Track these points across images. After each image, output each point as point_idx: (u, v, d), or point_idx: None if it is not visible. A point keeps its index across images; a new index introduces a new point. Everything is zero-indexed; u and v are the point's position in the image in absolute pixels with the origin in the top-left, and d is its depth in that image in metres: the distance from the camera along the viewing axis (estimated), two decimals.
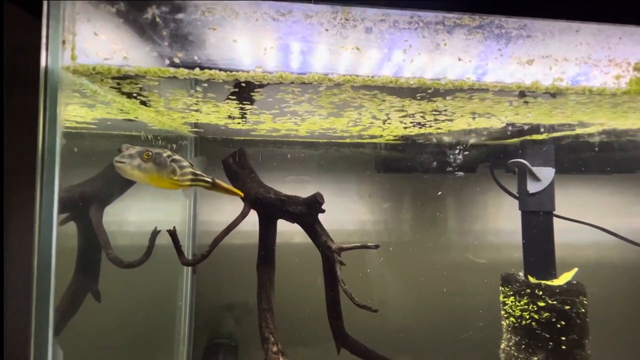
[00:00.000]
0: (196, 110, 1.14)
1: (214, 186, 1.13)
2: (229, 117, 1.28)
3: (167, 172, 0.94)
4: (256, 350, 1.92)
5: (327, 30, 0.74)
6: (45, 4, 0.68)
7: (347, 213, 2.01)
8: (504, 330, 1.52)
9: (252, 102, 1.04)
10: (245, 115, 1.23)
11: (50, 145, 0.71)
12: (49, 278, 0.72)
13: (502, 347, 1.52)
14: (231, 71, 0.80)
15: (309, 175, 1.94)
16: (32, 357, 0.68)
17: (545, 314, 1.37)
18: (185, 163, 1.03)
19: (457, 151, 1.76)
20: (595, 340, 1.42)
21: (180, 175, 0.99)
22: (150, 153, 0.88)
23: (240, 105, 1.06)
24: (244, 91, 0.92)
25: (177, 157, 1.00)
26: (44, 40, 0.69)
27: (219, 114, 1.20)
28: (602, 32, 0.82)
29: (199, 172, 1.06)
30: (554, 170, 1.52)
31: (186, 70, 0.79)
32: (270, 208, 1.36)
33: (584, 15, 0.80)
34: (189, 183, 1.04)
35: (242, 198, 1.39)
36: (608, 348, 1.61)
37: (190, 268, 1.89)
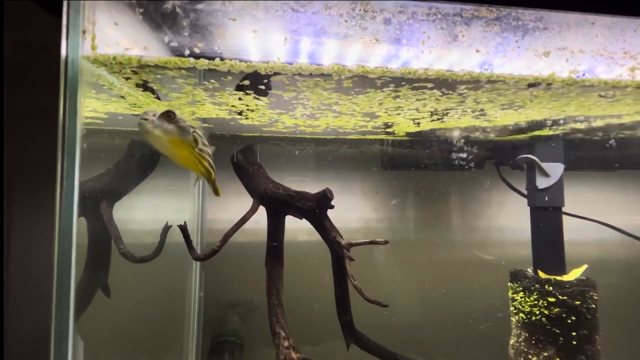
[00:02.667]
0: (211, 102, 1.14)
1: (212, 181, 1.14)
2: (239, 113, 1.28)
3: (189, 139, 0.91)
4: (261, 348, 1.92)
5: (346, 21, 0.74)
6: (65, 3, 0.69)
7: (353, 210, 2.01)
8: (513, 326, 1.52)
9: (266, 94, 1.04)
10: (251, 109, 1.23)
11: (70, 136, 0.71)
12: (69, 269, 0.72)
13: (511, 342, 1.52)
14: (250, 62, 0.81)
15: (316, 172, 1.94)
16: (53, 347, 0.68)
17: (556, 310, 1.37)
18: (206, 142, 1.02)
19: (464, 148, 1.76)
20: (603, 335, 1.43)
21: (199, 150, 0.97)
22: (173, 114, 0.87)
23: (255, 97, 1.06)
24: (261, 84, 0.93)
25: (200, 132, 0.99)
26: (64, 30, 0.69)
27: (228, 106, 1.20)
28: (617, 24, 0.83)
29: (212, 160, 1.06)
30: (563, 166, 1.53)
31: (206, 61, 0.79)
32: (280, 204, 1.36)
33: (600, 8, 0.81)
34: (206, 164, 1.03)
35: (251, 194, 1.39)
36: (614, 343, 1.62)
37: (199, 266, 1.89)
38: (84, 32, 0.70)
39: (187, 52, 0.79)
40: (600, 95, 0.98)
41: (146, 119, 0.84)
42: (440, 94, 0.99)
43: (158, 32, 0.76)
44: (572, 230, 1.62)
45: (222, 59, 0.80)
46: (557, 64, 0.90)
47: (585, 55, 0.86)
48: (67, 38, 0.69)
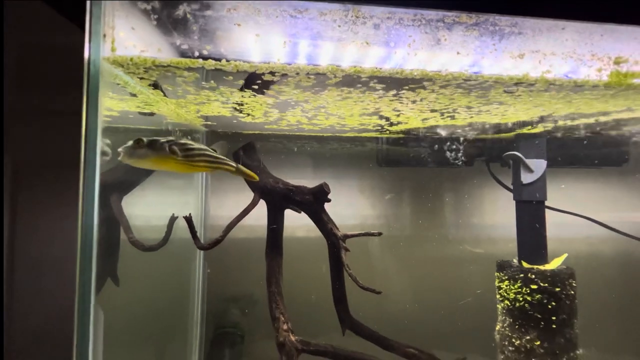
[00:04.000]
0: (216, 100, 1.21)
1: (238, 171, 1.19)
2: (239, 111, 1.36)
3: (166, 154, 0.97)
4: (262, 340, 1.99)
5: (339, 26, 0.83)
6: (88, 3, 0.77)
7: (350, 206, 2.09)
8: (499, 312, 1.60)
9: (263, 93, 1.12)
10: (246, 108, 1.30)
11: (91, 132, 0.79)
12: (90, 260, 0.79)
13: (497, 328, 1.60)
14: (253, 63, 0.89)
15: (314, 169, 2.02)
16: (76, 317, 0.76)
17: (537, 296, 1.45)
18: (196, 146, 1.05)
19: (455, 145, 1.84)
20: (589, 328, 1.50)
21: (185, 157, 1.01)
22: (142, 141, 0.94)
23: (254, 95, 1.14)
24: (265, 83, 1.00)
25: (182, 141, 1.03)
26: (87, 33, 0.77)
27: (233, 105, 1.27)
28: (586, 29, 0.91)
29: (221, 157, 1.11)
30: (545, 162, 1.61)
31: (214, 62, 0.87)
32: (279, 197, 1.44)
33: (569, 14, 0.89)
34: (205, 164, 1.08)
35: (252, 188, 1.47)
36: (600, 331, 1.70)
37: (202, 260, 1.96)
38: (104, 35, 0.78)
39: (196, 53, 0.87)
40: (505, 91, 1.06)
41: (121, 151, 0.92)
42: (380, 95, 1.06)
43: (169, 36, 0.84)
44: (559, 227, 1.70)
45: (227, 61, 0.88)
46: (534, 65, 0.99)
47: (556, 58, 0.95)
48: (89, 41, 0.77)
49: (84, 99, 0.77)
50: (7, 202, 1.19)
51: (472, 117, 1.42)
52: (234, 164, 1.16)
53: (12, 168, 1.20)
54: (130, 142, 0.94)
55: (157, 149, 0.96)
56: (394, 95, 1.11)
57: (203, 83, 1.04)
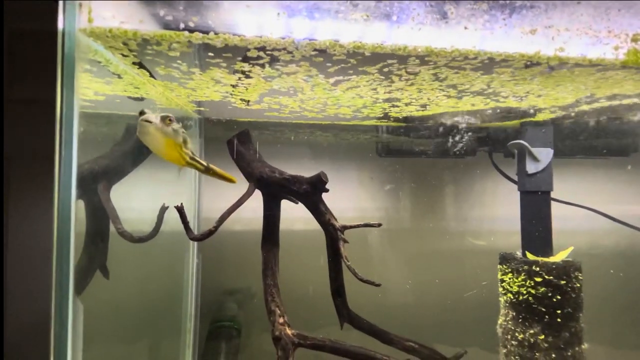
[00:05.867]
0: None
1: (207, 170, 1.18)
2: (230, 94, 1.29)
3: (180, 141, 1.01)
4: (259, 334, 1.95)
5: None
6: None
7: (349, 198, 2.04)
8: (502, 306, 1.56)
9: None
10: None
11: (67, 117, 0.73)
12: (68, 240, 0.73)
13: (499, 322, 1.56)
14: (244, 36, 0.82)
15: (312, 159, 1.97)
16: (53, 312, 0.71)
17: (542, 289, 1.41)
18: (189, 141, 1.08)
19: (457, 135, 1.79)
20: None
21: (186, 149, 1.05)
22: (172, 119, 0.95)
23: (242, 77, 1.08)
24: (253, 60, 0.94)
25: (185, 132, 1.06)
26: (60, 2, 0.70)
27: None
28: (602, 4, 0.85)
29: (194, 154, 1.11)
30: (552, 151, 1.56)
31: (200, 35, 0.81)
32: (275, 187, 1.38)
33: None
34: (188, 159, 1.09)
35: (247, 178, 1.41)
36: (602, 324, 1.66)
37: (196, 251, 1.92)
38: (80, 5, 0.71)
39: (181, 26, 0.81)
40: (407, 72, 1.01)
41: (149, 121, 0.90)
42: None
43: (152, 7, 0.78)
44: (563, 219, 1.65)
45: (216, 34, 0.82)
46: (547, 42, 0.92)
47: (570, 34, 0.89)
48: (63, 10, 0.70)
49: (58, 76, 0.71)
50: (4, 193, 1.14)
51: (522, 100, 1.34)
52: (204, 163, 1.15)
53: (7, 159, 1.15)
54: (150, 112, 0.93)
55: (177, 133, 0.98)
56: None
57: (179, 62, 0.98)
